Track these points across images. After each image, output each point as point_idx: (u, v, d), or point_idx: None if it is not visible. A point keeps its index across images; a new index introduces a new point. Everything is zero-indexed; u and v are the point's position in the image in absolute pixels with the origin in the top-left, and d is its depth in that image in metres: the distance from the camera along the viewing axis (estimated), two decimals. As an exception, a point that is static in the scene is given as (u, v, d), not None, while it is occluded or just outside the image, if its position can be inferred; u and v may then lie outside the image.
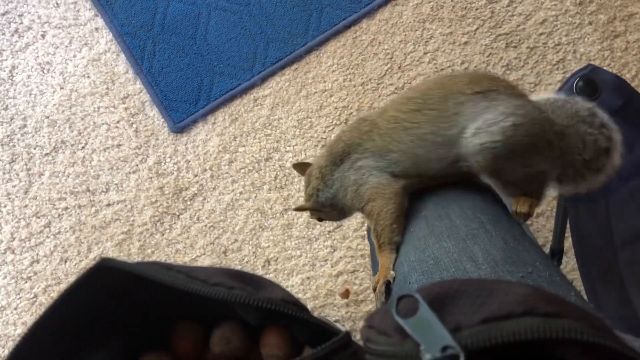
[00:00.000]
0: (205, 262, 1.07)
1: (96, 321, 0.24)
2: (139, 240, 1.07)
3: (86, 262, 1.07)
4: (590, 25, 1.10)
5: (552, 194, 0.61)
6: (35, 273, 1.08)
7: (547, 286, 0.39)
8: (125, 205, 1.09)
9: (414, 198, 0.51)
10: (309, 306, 1.06)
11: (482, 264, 0.40)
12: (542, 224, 1.03)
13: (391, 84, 1.10)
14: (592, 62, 1.10)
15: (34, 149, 1.12)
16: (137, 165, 1.10)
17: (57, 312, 0.21)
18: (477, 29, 1.11)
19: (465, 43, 1.11)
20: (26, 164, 1.11)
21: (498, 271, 0.39)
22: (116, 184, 1.09)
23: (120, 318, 0.25)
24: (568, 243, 0.81)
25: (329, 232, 1.06)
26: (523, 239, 0.45)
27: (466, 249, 0.42)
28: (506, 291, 0.22)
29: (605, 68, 1.17)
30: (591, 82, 0.58)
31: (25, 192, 1.11)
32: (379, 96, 1.10)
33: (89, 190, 1.09)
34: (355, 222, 1.05)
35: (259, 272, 1.06)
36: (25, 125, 1.13)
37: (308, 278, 1.06)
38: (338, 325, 1.06)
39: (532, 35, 1.11)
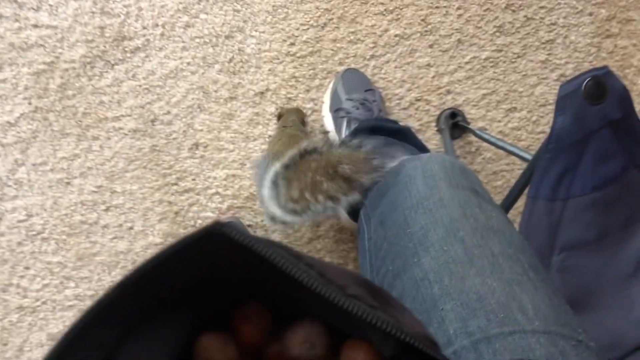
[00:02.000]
0: (128, 124, 0.97)
1: (177, 292, 0.19)
2: (62, 78, 0.95)
3: (-7, 80, 0.94)
4: (590, 15, 1.08)
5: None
6: None
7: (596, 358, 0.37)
8: (56, 34, 0.95)
9: (442, 208, 0.47)
10: (226, 204, 1.00)
11: (533, 319, 0.37)
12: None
13: (381, 4, 1.02)
14: (578, 54, 1.08)
15: None
16: (81, -7, 0.96)
17: (146, 275, 0.16)
18: (484, -21, 1.05)
19: (468, -11, 1.05)
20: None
21: (551, 332, 0.37)
22: (51, 5, 0.95)
23: (201, 292, 0.20)
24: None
25: (269, 137, 1.00)
26: (559, 293, 0.43)
27: (514, 296, 0.39)
28: None
29: (585, 64, 1.16)
30: (601, 86, 0.55)
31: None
32: (365, 12, 1.02)
33: (15, 1, 0.94)
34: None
35: (184, 154, 0.99)
36: None
37: (233, 176, 1.00)
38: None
39: (533, 5, 1.06)
